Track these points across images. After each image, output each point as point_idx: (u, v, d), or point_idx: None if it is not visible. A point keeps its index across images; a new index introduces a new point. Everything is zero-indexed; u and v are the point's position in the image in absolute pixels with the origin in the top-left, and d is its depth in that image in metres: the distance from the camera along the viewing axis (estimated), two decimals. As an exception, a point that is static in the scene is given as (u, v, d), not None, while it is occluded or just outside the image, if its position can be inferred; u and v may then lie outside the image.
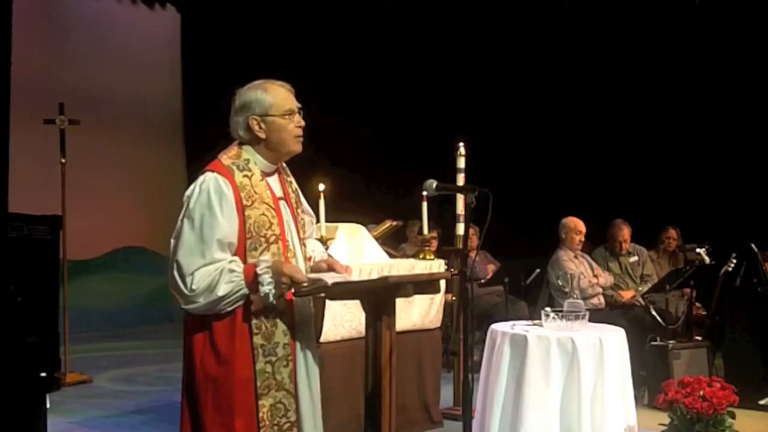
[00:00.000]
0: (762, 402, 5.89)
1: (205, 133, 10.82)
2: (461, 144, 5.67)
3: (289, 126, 2.85)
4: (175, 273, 2.70)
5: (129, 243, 10.78)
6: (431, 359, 5.47)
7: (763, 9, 8.47)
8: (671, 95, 9.24)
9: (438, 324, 5.56)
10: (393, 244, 7.43)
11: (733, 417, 4.61)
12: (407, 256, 6.55)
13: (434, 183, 3.23)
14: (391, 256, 6.05)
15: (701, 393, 4.53)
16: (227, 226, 2.72)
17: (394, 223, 6.55)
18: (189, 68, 11.41)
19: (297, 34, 10.41)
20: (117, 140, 10.43)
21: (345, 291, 2.96)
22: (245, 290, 2.70)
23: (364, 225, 5.81)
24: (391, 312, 2.95)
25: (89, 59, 10.24)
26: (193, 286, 2.67)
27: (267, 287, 2.68)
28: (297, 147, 2.89)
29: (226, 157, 2.86)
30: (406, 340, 4.94)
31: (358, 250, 5.34)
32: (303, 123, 2.88)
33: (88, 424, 5.58)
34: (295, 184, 3.04)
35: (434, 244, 6.65)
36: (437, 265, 5.45)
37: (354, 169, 9.72)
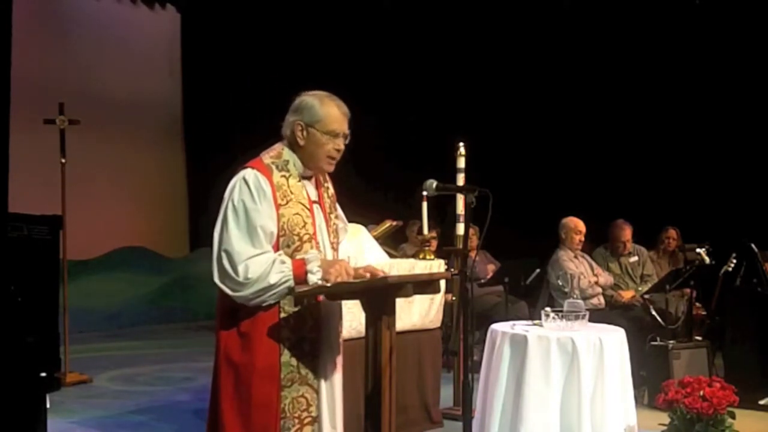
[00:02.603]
0: (762, 402, 5.89)
1: (205, 133, 10.93)
2: (461, 144, 5.67)
3: (327, 145, 2.93)
4: (225, 263, 2.77)
5: (129, 243, 10.77)
6: (431, 359, 5.47)
7: (763, 9, 8.48)
8: (671, 95, 9.25)
9: (438, 324, 5.55)
10: (393, 244, 7.42)
11: (733, 417, 4.61)
12: (407, 256, 6.55)
13: (434, 183, 3.24)
14: (391, 256, 6.05)
15: (701, 393, 4.53)
16: (267, 216, 2.82)
17: (394, 223, 6.54)
18: (189, 68, 11.40)
19: (297, 35, 10.42)
20: (117, 140, 10.42)
21: (345, 291, 2.97)
22: (292, 282, 2.79)
23: (364, 225, 5.80)
24: (391, 312, 2.95)
25: (89, 59, 10.23)
26: (249, 275, 2.75)
27: (317, 275, 2.79)
28: (327, 167, 2.98)
29: (267, 156, 2.95)
30: (406, 340, 4.93)
31: (358, 250, 5.33)
32: (342, 147, 2.96)
33: (88, 424, 5.58)
34: (331, 190, 3.13)
35: (434, 244, 6.65)
36: (437, 265, 5.45)
37: (354, 169, 9.69)
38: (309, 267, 2.80)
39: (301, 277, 2.80)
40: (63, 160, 7.24)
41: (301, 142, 2.93)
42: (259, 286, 2.75)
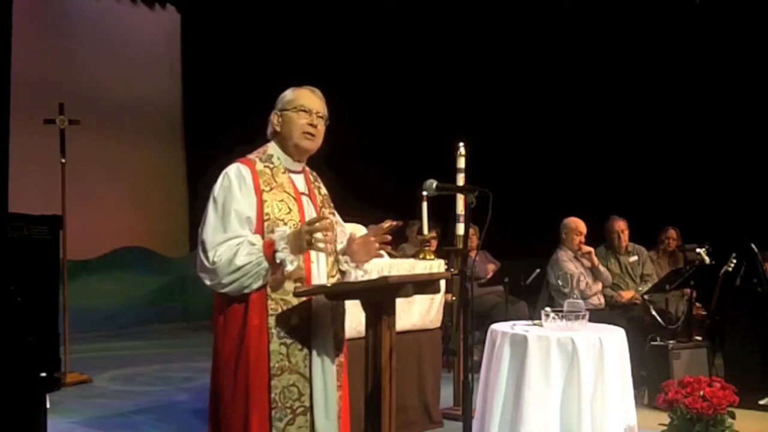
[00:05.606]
0: (762, 402, 5.89)
1: (205, 132, 10.93)
2: (461, 144, 5.67)
3: (299, 120, 2.97)
4: (200, 252, 2.80)
5: (129, 243, 10.79)
6: (431, 359, 5.47)
7: (763, 9, 8.48)
8: (671, 95, 9.25)
9: (438, 324, 5.55)
10: (393, 244, 7.41)
11: (733, 417, 4.60)
12: (407, 256, 6.55)
13: (434, 183, 3.24)
14: (391, 256, 6.05)
15: (701, 393, 4.52)
16: (244, 201, 2.83)
17: (394, 222, 6.53)
18: (189, 68, 11.41)
19: (297, 35, 10.42)
20: (117, 140, 10.43)
21: (345, 291, 2.97)
22: (265, 263, 2.76)
23: (364, 225, 5.80)
24: (391, 312, 2.95)
25: (89, 59, 10.24)
26: (215, 258, 2.74)
27: (282, 253, 2.75)
28: (304, 142, 2.99)
29: (254, 154, 3.01)
30: (406, 340, 4.93)
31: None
32: (316, 123, 2.98)
33: (88, 424, 5.58)
34: (324, 190, 3.15)
35: (434, 244, 6.64)
36: (437, 265, 5.45)
37: (354, 170, 9.72)
38: (276, 246, 2.77)
39: (271, 258, 2.77)
40: (63, 160, 7.24)
41: (279, 128, 3.00)
42: (228, 269, 2.73)
